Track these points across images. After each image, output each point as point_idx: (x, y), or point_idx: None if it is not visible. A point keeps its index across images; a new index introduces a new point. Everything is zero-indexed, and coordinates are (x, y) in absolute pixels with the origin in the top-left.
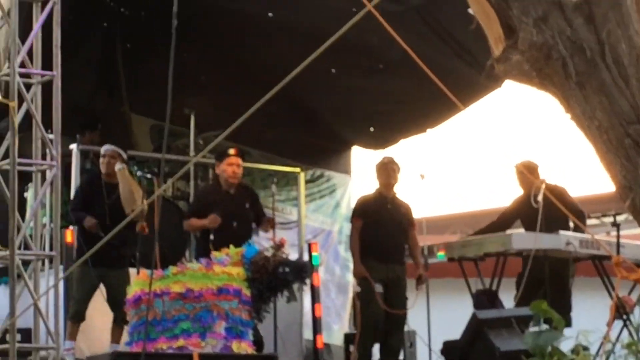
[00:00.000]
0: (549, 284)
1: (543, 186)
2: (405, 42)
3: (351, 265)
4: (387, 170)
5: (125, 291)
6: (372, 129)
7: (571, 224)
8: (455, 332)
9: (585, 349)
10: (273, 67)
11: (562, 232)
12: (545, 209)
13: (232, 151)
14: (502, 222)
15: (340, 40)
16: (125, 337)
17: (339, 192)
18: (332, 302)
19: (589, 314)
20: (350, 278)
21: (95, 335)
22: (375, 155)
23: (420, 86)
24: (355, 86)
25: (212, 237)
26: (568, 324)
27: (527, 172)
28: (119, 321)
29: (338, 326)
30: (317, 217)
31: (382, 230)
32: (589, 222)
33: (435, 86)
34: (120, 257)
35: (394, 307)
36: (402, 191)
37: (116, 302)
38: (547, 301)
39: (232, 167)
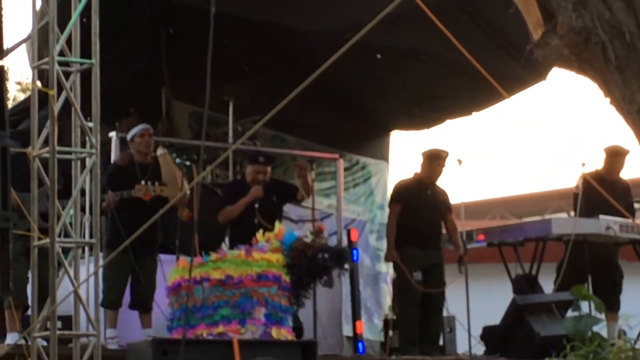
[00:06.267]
0: (593, 268)
1: (582, 172)
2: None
3: (382, 255)
4: (439, 167)
5: (153, 278)
6: (416, 110)
7: None
8: (494, 317)
9: (625, 333)
10: (312, 52)
11: (602, 216)
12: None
13: (261, 159)
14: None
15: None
16: (162, 322)
17: (373, 179)
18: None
19: (630, 298)
20: (381, 268)
21: (130, 322)
22: (416, 138)
23: (464, 76)
24: (400, 72)
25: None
26: (617, 307)
27: (610, 156)
28: (147, 308)
29: (363, 320)
30: (348, 207)
31: (420, 217)
32: None
33: (478, 78)
34: (152, 242)
35: (432, 294)
36: (440, 176)
37: (146, 289)
38: (591, 286)
39: (258, 175)
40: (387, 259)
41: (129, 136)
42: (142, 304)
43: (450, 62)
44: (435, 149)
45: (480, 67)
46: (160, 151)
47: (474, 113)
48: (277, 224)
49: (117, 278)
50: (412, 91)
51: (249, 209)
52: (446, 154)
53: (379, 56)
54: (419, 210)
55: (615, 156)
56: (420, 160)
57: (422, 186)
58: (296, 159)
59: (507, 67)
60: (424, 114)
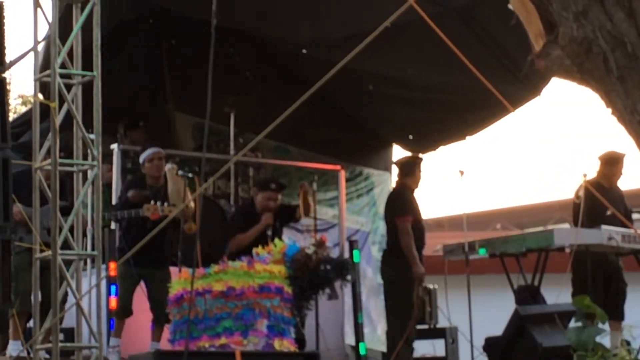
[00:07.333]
0: (597, 279)
1: (583, 181)
2: (447, 45)
3: None
4: (421, 171)
5: (165, 291)
6: (410, 137)
7: None
8: (497, 328)
9: (628, 343)
10: (313, 67)
11: (604, 226)
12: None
13: (272, 186)
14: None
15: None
16: (167, 335)
17: (376, 190)
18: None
19: (633, 307)
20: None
21: (136, 333)
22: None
23: (461, 96)
24: (394, 98)
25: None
26: (622, 316)
27: (608, 164)
28: (160, 320)
29: (367, 330)
30: (352, 217)
31: (421, 227)
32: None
33: (475, 96)
34: (162, 257)
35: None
36: (442, 188)
37: (156, 301)
38: (601, 295)
39: (269, 201)
40: (417, 277)
41: (140, 159)
42: (158, 318)
43: (444, 91)
44: (417, 156)
45: (484, 79)
46: (169, 166)
47: (467, 137)
48: (277, 242)
49: (124, 287)
50: (406, 116)
51: (261, 236)
52: (421, 159)
53: (371, 87)
54: (420, 221)
55: (613, 164)
56: (404, 167)
57: (414, 195)
58: (301, 170)
59: (505, 84)
60: (418, 140)
